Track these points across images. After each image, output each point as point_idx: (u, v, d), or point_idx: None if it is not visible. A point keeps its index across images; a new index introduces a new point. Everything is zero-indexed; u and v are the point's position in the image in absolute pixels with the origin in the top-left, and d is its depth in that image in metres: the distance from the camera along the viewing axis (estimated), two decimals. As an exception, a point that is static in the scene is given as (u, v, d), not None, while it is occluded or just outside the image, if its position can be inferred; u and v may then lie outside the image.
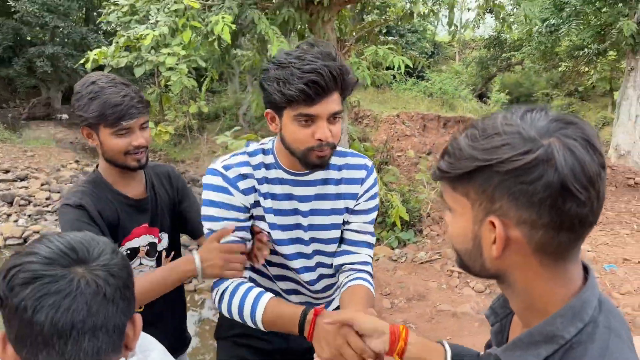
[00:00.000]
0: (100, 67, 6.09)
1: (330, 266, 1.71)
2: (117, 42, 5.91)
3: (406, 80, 20.09)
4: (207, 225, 1.58)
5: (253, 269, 1.72)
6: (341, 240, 1.68)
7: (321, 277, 1.72)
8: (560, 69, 18.58)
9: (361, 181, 1.62)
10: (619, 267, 6.06)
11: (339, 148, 1.62)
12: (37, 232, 7.92)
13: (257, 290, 1.54)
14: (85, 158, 14.29)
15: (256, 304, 1.48)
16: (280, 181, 1.56)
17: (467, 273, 0.90)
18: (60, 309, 0.76)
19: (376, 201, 1.67)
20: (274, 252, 1.64)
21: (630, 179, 9.73)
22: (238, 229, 1.57)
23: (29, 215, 8.72)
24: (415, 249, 6.86)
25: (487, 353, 1.01)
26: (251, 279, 1.71)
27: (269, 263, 1.68)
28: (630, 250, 6.56)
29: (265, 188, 1.56)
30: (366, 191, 1.64)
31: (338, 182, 1.60)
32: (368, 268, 1.67)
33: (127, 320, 0.88)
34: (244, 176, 1.54)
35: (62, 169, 12.30)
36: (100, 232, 1.57)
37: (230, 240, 1.56)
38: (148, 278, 1.53)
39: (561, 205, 0.73)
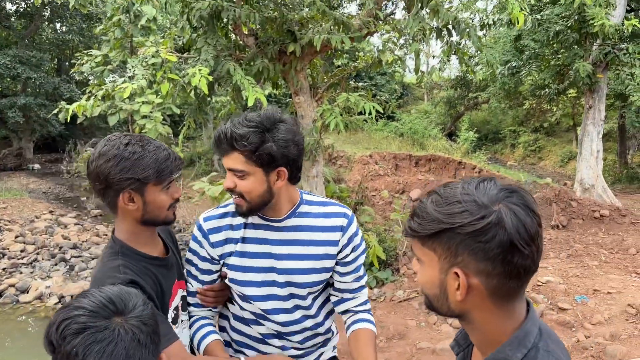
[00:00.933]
0: (73, 117, 6.20)
1: (312, 316, 1.82)
2: (96, 95, 6.04)
3: (377, 121, 20.59)
4: (186, 267, 1.82)
5: (233, 316, 1.87)
6: (339, 289, 1.84)
7: (302, 321, 1.80)
8: (524, 107, 19.31)
9: (341, 228, 1.75)
10: (590, 298, 6.26)
11: (319, 198, 1.80)
12: (13, 286, 7.82)
13: (205, 330, 1.79)
14: (59, 208, 14.16)
15: (199, 343, 1.77)
16: (255, 226, 1.73)
17: (436, 314, 1.08)
18: (105, 354, 0.92)
19: (362, 246, 1.83)
20: (243, 298, 1.77)
21: (596, 212, 10.09)
22: (207, 282, 1.80)
23: (4, 269, 8.60)
24: (394, 287, 6.98)
25: None
26: (228, 326, 1.88)
27: (241, 307, 1.82)
28: (599, 281, 6.78)
29: (240, 233, 1.73)
30: (350, 239, 1.77)
31: (312, 228, 1.73)
32: (367, 307, 1.87)
33: (156, 358, 1.04)
34: (217, 229, 1.73)
35: (36, 219, 12.17)
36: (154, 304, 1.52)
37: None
38: None
39: (510, 259, 0.92)
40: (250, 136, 1.54)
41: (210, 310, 1.88)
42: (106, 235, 11.46)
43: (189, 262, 1.80)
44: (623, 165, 18.11)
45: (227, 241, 1.74)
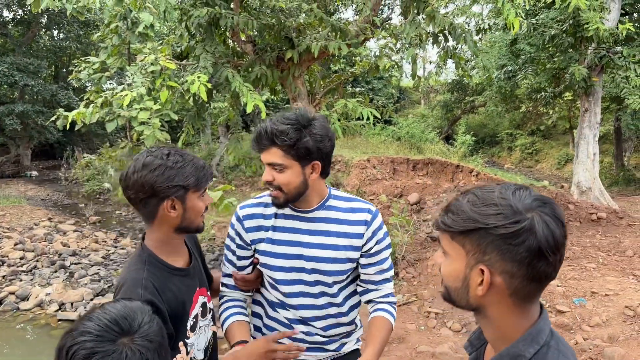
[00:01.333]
0: (71, 124, 6.23)
1: (337, 304, 1.92)
2: (95, 103, 6.08)
3: (374, 125, 20.66)
4: (224, 252, 2.00)
5: (264, 296, 1.98)
6: (363, 280, 1.96)
7: (326, 307, 1.91)
8: (521, 110, 19.41)
9: (365, 222, 1.88)
10: (588, 301, 6.30)
11: (346, 195, 1.96)
12: (13, 293, 7.82)
13: (230, 312, 1.94)
14: (58, 215, 14.16)
15: (223, 323, 1.94)
16: (286, 216, 1.87)
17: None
18: None
19: (387, 240, 1.94)
20: (273, 282, 1.89)
21: (593, 214, 10.13)
22: (241, 267, 1.96)
23: (3, 276, 8.60)
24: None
25: None
26: (263, 312, 2.00)
27: (271, 293, 1.93)
28: (597, 283, 6.82)
29: (270, 222, 1.88)
30: (374, 233, 1.89)
31: (339, 221, 1.86)
32: (389, 299, 1.98)
33: None
34: (251, 216, 1.89)
35: (35, 227, 12.18)
36: (164, 320, 1.55)
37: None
38: None
39: (535, 264, 0.98)
40: (289, 132, 1.69)
41: (240, 292, 2.01)
42: (105, 241, 11.47)
43: (227, 247, 1.97)
44: (619, 167, 18.20)
45: (259, 228, 1.88)
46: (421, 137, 20.25)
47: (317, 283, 1.87)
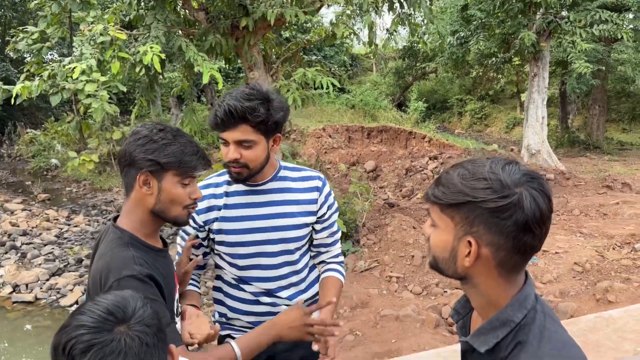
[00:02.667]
0: (11, 97, 5.95)
1: (297, 272, 1.96)
2: (42, 76, 5.79)
3: (336, 96, 20.62)
4: (179, 235, 1.98)
5: (222, 279, 1.99)
6: (316, 245, 2.04)
7: (289, 277, 1.94)
8: (471, 75, 19.75)
9: (317, 189, 1.95)
10: (539, 259, 6.60)
11: (293, 165, 1.99)
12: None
13: None
14: (3, 194, 13.57)
15: None
16: (238, 193, 1.88)
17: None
18: None
19: (335, 204, 2.04)
20: (233, 259, 1.90)
21: (542, 176, 10.52)
22: (197, 246, 1.95)
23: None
24: (355, 258, 7.13)
25: (459, 341, 1.27)
26: (223, 295, 1.99)
27: (232, 272, 1.93)
28: (547, 242, 7.13)
29: (222, 201, 1.89)
30: (326, 197, 1.98)
31: (293, 190, 1.92)
32: (339, 259, 2.10)
33: (166, 353, 1.06)
34: (202, 197, 1.84)
35: (-21, 207, 11.65)
36: (163, 296, 1.55)
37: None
38: None
39: (521, 237, 1.02)
40: (259, 108, 1.70)
41: (200, 267, 2.03)
42: (57, 220, 11.10)
43: (182, 230, 1.96)
44: (565, 129, 18.89)
45: (210, 209, 1.88)
46: (375, 105, 20.36)
47: (280, 253, 1.90)
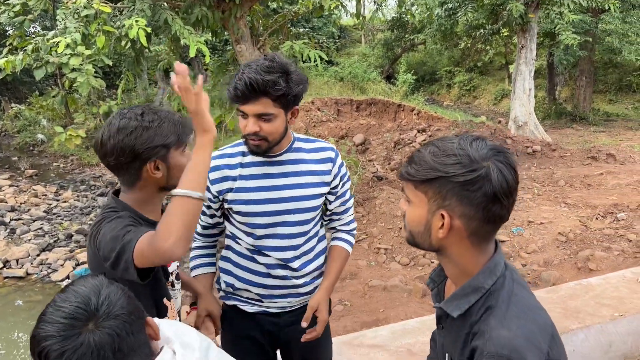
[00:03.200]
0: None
1: (310, 238, 1.99)
2: (26, 50, 5.72)
3: (316, 67, 20.45)
4: None
5: (233, 249, 2.02)
6: (329, 214, 2.09)
7: (301, 246, 1.96)
8: (460, 47, 19.66)
9: (330, 160, 1.97)
10: (525, 229, 6.72)
11: (306, 137, 2.00)
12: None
13: (197, 262, 2.07)
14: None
15: (192, 270, 2.08)
16: (254, 164, 1.89)
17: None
18: None
19: (347, 174, 2.07)
20: (250, 229, 1.92)
21: (529, 148, 10.64)
22: (212, 215, 2.00)
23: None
24: (343, 231, 7.20)
25: (433, 307, 1.35)
26: (232, 266, 2.02)
27: (247, 242, 1.95)
28: (533, 213, 7.26)
29: (238, 172, 1.89)
30: (339, 168, 2.00)
31: (308, 161, 1.94)
32: (350, 227, 2.14)
33: (144, 328, 1.10)
34: (215, 168, 1.89)
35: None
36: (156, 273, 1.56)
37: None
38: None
39: (491, 207, 1.09)
40: (280, 81, 1.70)
41: (214, 242, 2.11)
42: (45, 195, 11.07)
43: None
44: (552, 101, 18.97)
45: (224, 179, 1.89)
46: (363, 77, 20.27)
47: (297, 223, 1.92)
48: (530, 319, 1.09)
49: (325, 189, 1.96)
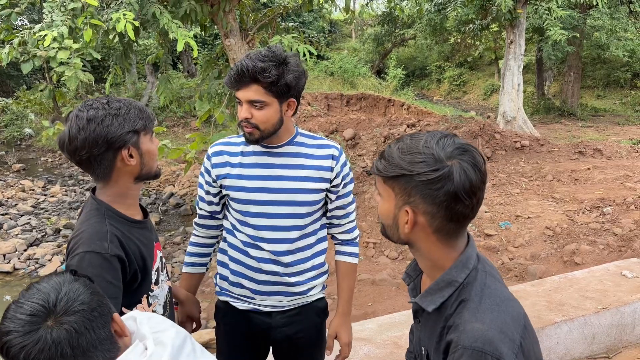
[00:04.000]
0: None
1: (306, 235, 1.97)
2: (12, 43, 5.66)
3: (315, 64, 20.43)
4: (198, 192, 2.06)
5: (229, 242, 2.02)
6: (329, 216, 2.06)
7: (295, 241, 1.94)
8: (449, 42, 19.72)
9: (332, 157, 1.95)
10: (512, 224, 6.79)
11: (311, 133, 2.01)
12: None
13: (190, 260, 2.10)
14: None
15: (184, 265, 2.13)
16: (254, 153, 1.92)
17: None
18: (54, 357, 1.02)
19: (351, 175, 2.05)
20: (244, 217, 1.93)
21: (517, 142, 10.71)
22: (210, 202, 2.02)
23: None
24: (332, 225, 7.22)
25: (409, 302, 1.37)
26: (228, 259, 2.02)
27: (241, 232, 1.95)
28: (520, 207, 7.33)
29: (238, 159, 1.93)
30: (342, 167, 1.98)
31: (309, 156, 1.94)
32: (351, 235, 2.09)
33: (109, 325, 1.11)
34: (219, 152, 1.95)
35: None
36: (131, 275, 1.56)
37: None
38: None
39: (453, 206, 1.11)
40: (271, 69, 1.71)
41: (210, 238, 2.11)
42: (33, 190, 11.00)
43: (199, 185, 2.03)
44: (540, 96, 19.09)
45: (225, 164, 1.93)
46: (354, 72, 20.27)
47: (291, 215, 1.92)
48: (502, 311, 1.10)
49: (325, 185, 1.95)
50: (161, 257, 1.79)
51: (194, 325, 2.10)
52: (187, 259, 2.11)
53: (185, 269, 2.10)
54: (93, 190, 1.62)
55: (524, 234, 6.43)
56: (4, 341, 1.02)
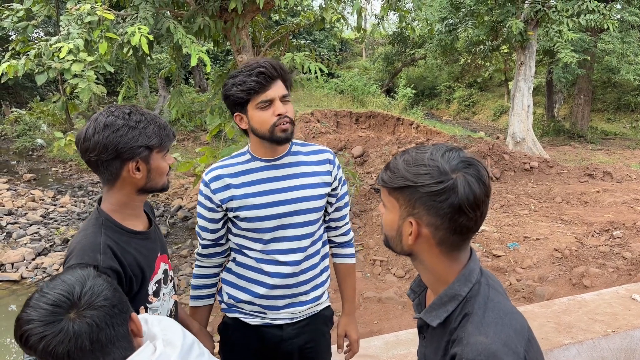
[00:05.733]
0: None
1: (315, 242, 1.99)
2: (29, 55, 5.76)
3: (317, 79, 20.55)
4: (198, 221, 2.00)
5: (237, 262, 2.00)
6: (327, 219, 2.08)
7: (308, 248, 1.96)
8: (460, 62, 19.80)
9: (329, 161, 1.99)
10: (521, 245, 6.74)
11: (301, 141, 2.02)
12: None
13: (196, 293, 2.07)
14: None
15: (191, 299, 2.09)
16: (257, 169, 1.91)
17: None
18: (71, 351, 1.03)
19: (343, 178, 2.08)
20: (257, 233, 1.92)
21: (526, 164, 10.69)
22: (213, 230, 1.97)
23: None
24: (339, 242, 7.20)
25: (414, 318, 1.37)
26: (231, 270, 2.02)
27: (253, 249, 1.94)
28: (529, 228, 7.29)
29: (240, 180, 1.90)
30: (337, 169, 2.02)
31: (308, 163, 1.96)
32: (346, 238, 2.14)
33: (127, 323, 1.12)
34: (217, 177, 1.91)
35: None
36: (127, 286, 1.56)
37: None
38: None
39: (457, 219, 1.11)
40: (284, 67, 1.83)
41: (215, 267, 2.07)
42: (43, 200, 11.07)
43: (200, 215, 1.98)
44: (550, 118, 19.07)
45: (227, 187, 1.90)
46: (363, 90, 20.37)
47: (305, 224, 1.94)
48: (506, 324, 1.10)
49: (327, 190, 1.98)
50: (166, 270, 1.78)
51: None
52: (194, 292, 2.08)
53: (193, 303, 2.07)
54: (99, 201, 1.64)
55: (532, 256, 6.38)
56: (24, 329, 1.02)
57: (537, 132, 15.82)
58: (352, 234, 2.16)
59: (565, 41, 10.93)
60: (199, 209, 1.97)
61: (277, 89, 1.79)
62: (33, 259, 7.72)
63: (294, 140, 1.97)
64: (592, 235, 6.87)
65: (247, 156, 1.94)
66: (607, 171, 10.31)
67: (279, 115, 1.78)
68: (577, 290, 5.31)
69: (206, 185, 1.92)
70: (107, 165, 1.53)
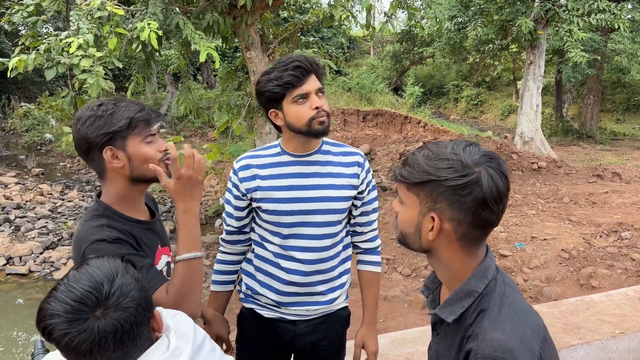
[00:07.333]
0: (5, 71, 5.92)
1: (336, 244, 1.98)
2: (38, 50, 5.78)
3: (333, 79, 20.57)
4: (225, 208, 2.04)
5: (256, 254, 2.01)
6: (352, 223, 2.06)
7: (328, 249, 1.95)
8: (468, 61, 19.71)
9: (358, 164, 1.97)
10: (528, 245, 6.71)
11: (334, 141, 2.01)
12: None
13: (217, 278, 2.08)
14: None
15: (212, 283, 2.10)
16: (285, 163, 1.91)
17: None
18: (95, 349, 1.02)
19: (373, 182, 2.05)
20: (276, 227, 1.92)
21: (534, 164, 10.63)
22: (238, 218, 2.00)
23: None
24: (346, 240, 7.20)
25: (428, 314, 1.36)
26: (254, 269, 2.02)
27: (273, 242, 1.95)
28: (536, 228, 7.25)
29: (267, 171, 1.91)
30: (367, 173, 1.99)
31: (337, 163, 1.94)
32: (373, 244, 2.09)
33: (149, 321, 1.11)
34: (246, 167, 1.93)
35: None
36: (144, 254, 1.57)
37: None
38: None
39: (480, 212, 1.11)
40: (318, 61, 1.84)
41: (238, 255, 2.09)
42: (51, 194, 11.14)
43: (227, 202, 2.01)
44: (559, 118, 18.96)
45: (253, 177, 1.91)
46: (371, 88, 20.34)
47: (325, 224, 1.93)
48: (522, 322, 1.10)
49: (353, 192, 1.95)
50: (168, 262, 1.77)
51: (224, 347, 2.05)
52: (215, 277, 2.09)
53: (214, 287, 2.08)
54: (99, 194, 1.64)
55: (539, 256, 6.35)
56: (48, 323, 1.01)
57: (546, 132, 15.73)
58: (379, 241, 2.11)
59: (575, 40, 10.85)
60: (227, 195, 2.01)
61: (313, 82, 1.79)
62: (41, 253, 7.77)
63: (327, 140, 1.97)
64: (600, 236, 6.84)
65: (278, 149, 1.94)
66: (615, 172, 10.25)
67: (316, 108, 1.77)
68: (584, 291, 5.28)
69: (235, 173, 1.95)
70: (90, 158, 1.55)
